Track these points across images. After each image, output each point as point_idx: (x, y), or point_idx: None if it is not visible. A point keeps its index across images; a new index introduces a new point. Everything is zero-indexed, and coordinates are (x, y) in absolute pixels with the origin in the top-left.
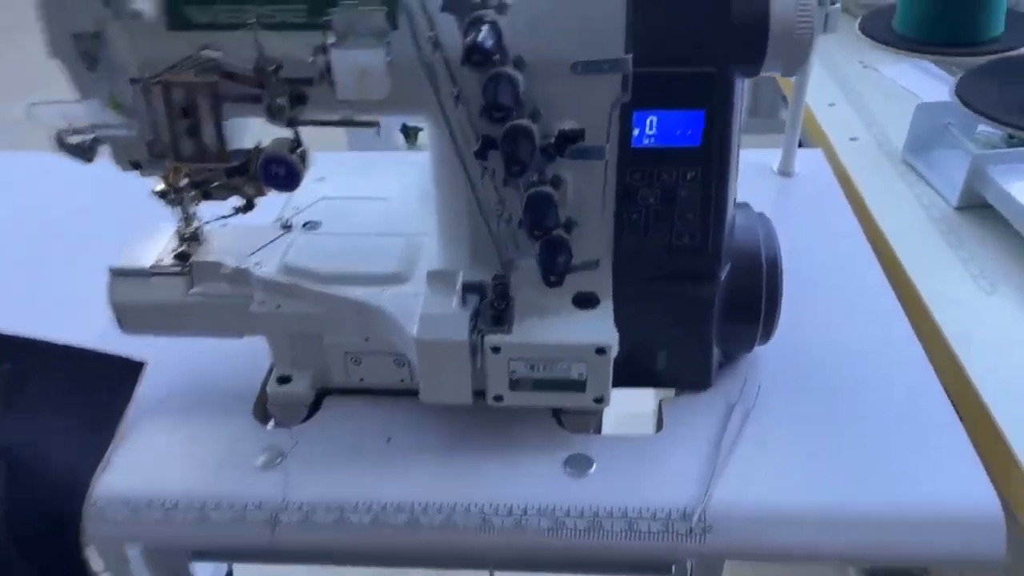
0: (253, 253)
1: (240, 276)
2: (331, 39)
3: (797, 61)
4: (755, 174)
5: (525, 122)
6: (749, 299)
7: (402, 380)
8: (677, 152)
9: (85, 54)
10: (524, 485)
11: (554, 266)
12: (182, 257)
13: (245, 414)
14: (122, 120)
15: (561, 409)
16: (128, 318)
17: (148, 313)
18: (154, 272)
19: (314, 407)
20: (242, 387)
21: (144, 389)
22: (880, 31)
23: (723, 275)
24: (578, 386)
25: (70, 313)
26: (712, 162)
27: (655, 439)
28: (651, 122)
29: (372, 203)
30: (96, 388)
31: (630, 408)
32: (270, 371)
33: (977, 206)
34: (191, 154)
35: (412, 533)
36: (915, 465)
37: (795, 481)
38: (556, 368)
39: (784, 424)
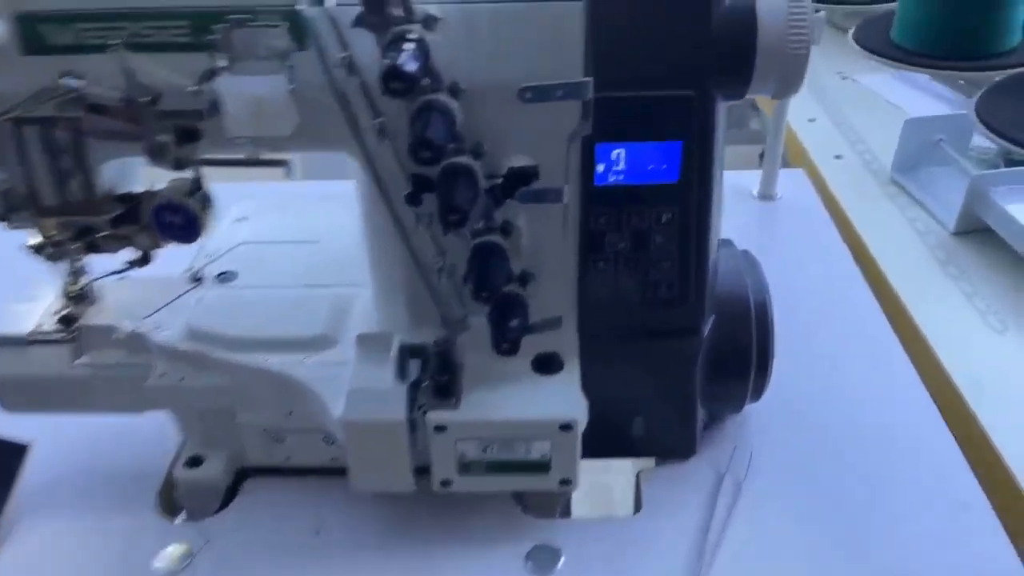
0: (152, 314)
1: (137, 342)
2: (220, 62)
3: (791, 82)
4: (734, 198)
5: (464, 160)
6: (737, 354)
7: (333, 459)
8: (650, 190)
9: None
10: None
11: (506, 332)
12: (67, 320)
13: (147, 504)
14: None
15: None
16: (6, 394)
17: (28, 388)
18: (32, 340)
19: (231, 492)
20: (146, 470)
21: (29, 476)
22: (875, 41)
23: (706, 329)
24: (541, 467)
25: None
26: (691, 201)
27: (633, 522)
28: (618, 156)
29: (299, 247)
30: None
31: (604, 478)
32: (180, 450)
33: (976, 231)
34: (54, 204)
35: None
36: (934, 544)
37: (798, 568)
38: (513, 448)
39: (781, 497)
